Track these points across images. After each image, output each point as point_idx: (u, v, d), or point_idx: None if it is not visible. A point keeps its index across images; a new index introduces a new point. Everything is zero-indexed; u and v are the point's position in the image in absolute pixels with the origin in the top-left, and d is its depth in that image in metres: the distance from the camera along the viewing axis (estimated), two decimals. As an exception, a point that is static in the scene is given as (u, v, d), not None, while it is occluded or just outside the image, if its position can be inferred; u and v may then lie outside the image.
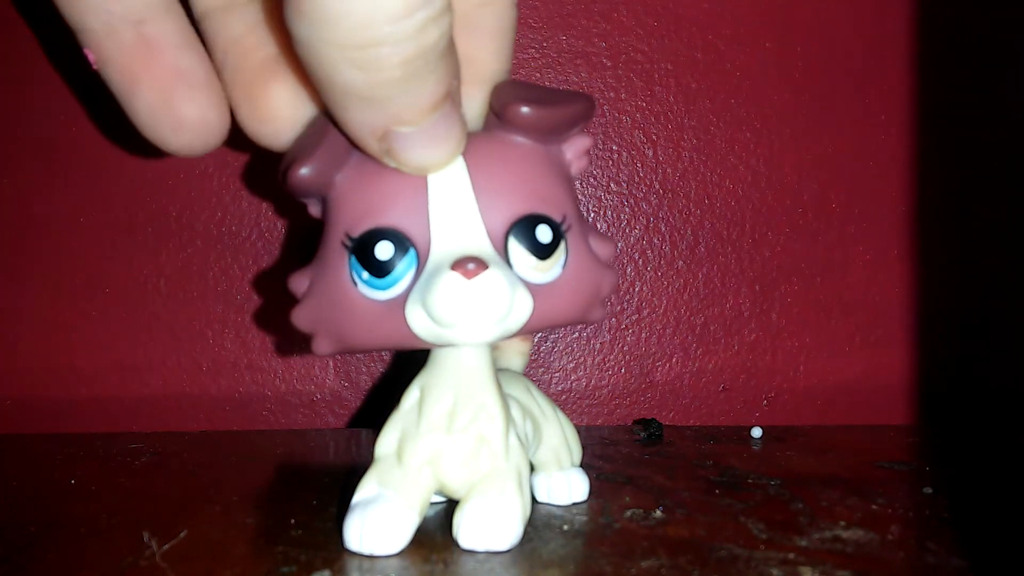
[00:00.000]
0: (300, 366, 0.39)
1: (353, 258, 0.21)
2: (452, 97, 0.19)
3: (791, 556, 0.21)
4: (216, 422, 0.38)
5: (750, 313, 0.40)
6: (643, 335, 0.39)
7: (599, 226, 0.39)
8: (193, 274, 0.38)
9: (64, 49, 0.37)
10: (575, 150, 0.23)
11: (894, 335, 0.40)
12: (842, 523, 0.23)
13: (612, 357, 0.39)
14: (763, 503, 0.25)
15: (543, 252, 0.21)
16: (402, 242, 0.21)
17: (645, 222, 0.39)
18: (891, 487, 0.27)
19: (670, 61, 0.39)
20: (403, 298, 0.21)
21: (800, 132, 0.39)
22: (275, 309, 0.38)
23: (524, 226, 0.21)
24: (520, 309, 0.21)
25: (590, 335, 0.39)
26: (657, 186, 0.39)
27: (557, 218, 0.21)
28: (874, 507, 0.25)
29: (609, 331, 0.39)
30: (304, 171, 0.21)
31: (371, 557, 0.21)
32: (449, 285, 0.20)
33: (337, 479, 0.28)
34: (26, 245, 0.38)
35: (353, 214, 0.21)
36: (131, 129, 0.38)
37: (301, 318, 0.22)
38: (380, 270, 0.21)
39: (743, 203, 0.39)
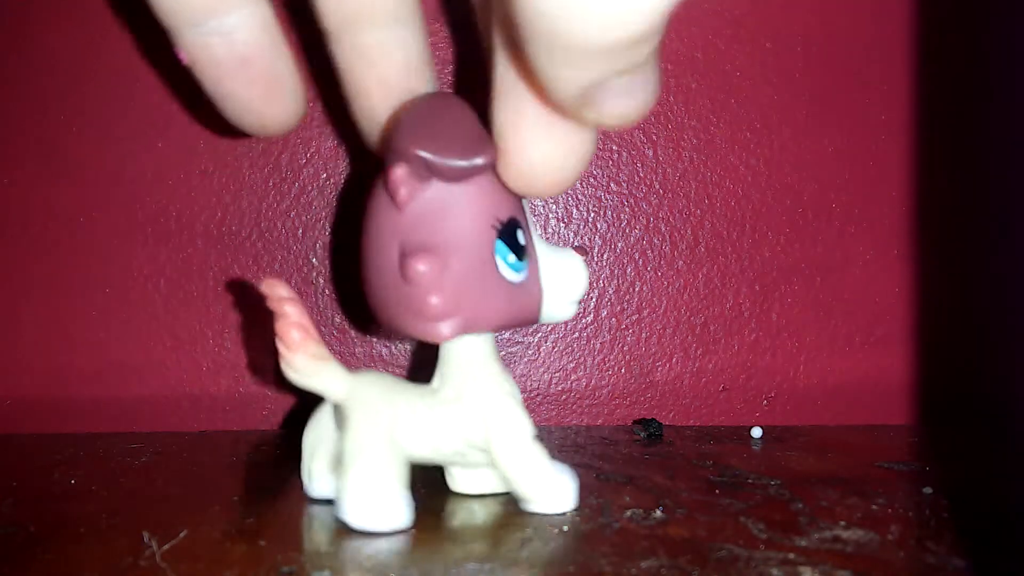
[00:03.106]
0: (300, 366, 0.38)
1: (500, 242, 0.23)
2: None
3: (791, 556, 0.21)
4: (216, 422, 0.38)
5: (750, 313, 0.40)
6: (643, 335, 0.39)
7: (599, 226, 0.39)
8: (193, 274, 0.38)
9: (65, 49, 0.37)
10: None
11: (894, 335, 0.40)
12: (842, 523, 0.23)
13: (612, 357, 0.39)
14: (763, 503, 0.25)
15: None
16: (525, 233, 0.24)
17: (645, 222, 0.39)
18: (891, 487, 0.27)
19: (670, 61, 0.39)
20: (531, 280, 0.24)
21: (800, 132, 0.39)
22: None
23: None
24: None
25: (590, 335, 0.39)
26: (657, 186, 0.39)
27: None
28: (874, 507, 0.25)
29: (609, 331, 0.39)
30: (484, 161, 0.22)
31: (371, 556, 0.21)
32: (581, 268, 0.25)
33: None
34: (26, 245, 0.38)
35: (498, 201, 0.23)
36: (131, 129, 0.38)
37: (440, 303, 0.22)
38: (520, 254, 0.23)
39: (743, 203, 0.39)
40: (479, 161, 0.22)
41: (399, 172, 0.22)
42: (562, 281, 0.24)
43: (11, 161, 0.37)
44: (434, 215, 0.22)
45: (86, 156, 0.37)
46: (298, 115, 0.25)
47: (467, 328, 0.23)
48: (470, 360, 0.24)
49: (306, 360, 0.24)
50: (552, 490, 0.24)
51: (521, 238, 0.23)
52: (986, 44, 0.39)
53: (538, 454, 0.24)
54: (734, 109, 0.39)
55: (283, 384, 0.38)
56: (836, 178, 0.39)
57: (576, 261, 0.25)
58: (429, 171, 0.22)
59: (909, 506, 0.25)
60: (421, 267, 0.22)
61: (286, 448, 0.33)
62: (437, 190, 0.22)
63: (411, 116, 0.23)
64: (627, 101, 0.19)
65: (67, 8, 0.37)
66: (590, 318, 0.39)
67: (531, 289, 0.24)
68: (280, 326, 0.23)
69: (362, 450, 0.23)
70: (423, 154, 0.22)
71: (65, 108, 0.37)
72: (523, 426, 0.24)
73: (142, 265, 0.38)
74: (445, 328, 0.22)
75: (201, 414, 0.38)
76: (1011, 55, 0.39)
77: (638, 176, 0.39)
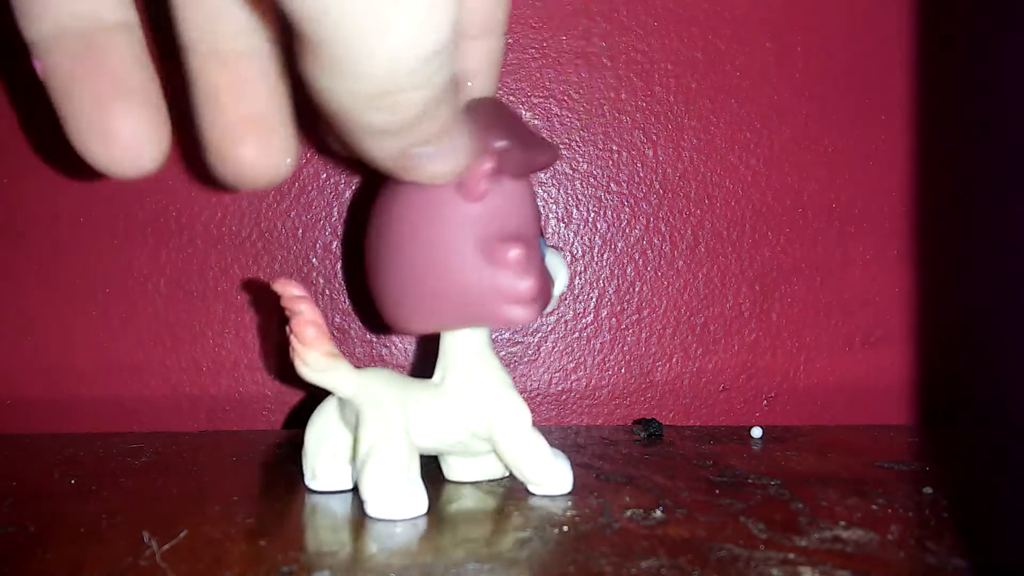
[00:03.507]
0: (300, 366, 0.38)
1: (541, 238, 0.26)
2: (458, 115, 0.21)
3: (791, 556, 0.21)
4: (216, 422, 0.38)
5: (750, 313, 0.40)
6: (643, 335, 0.39)
7: (599, 226, 0.39)
8: (193, 274, 0.38)
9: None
10: None
11: (894, 335, 0.40)
12: (842, 523, 0.23)
13: (612, 357, 0.39)
14: (763, 503, 0.25)
15: None
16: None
17: (645, 222, 0.39)
18: (891, 487, 0.27)
19: (670, 61, 0.39)
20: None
21: (800, 132, 0.39)
22: (275, 309, 0.38)
23: None
24: None
25: (590, 335, 0.39)
26: (657, 186, 0.39)
27: None
28: (874, 507, 0.25)
29: (609, 331, 0.39)
30: (552, 157, 0.25)
31: (371, 556, 0.21)
32: (563, 263, 0.27)
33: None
34: (26, 245, 0.38)
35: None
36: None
37: (535, 286, 0.24)
38: (544, 250, 0.26)
39: (743, 203, 0.39)
40: (550, 157, 0.25)
41: (487, 167, 0.23)
42: (558, 274, 0.27)
43: (11, 161, 0.37)
44: (510, 207, 0.24)
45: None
46: (153, 148, 0.22)
47: (541, 312, 0.25)
48: (470, 354, 0.26)
49: (319, 357, 0.24)
50: (552, 474, 0.26)
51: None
52: (986, 44, 0.39)
53: (538, 441, 0.26)
54: (734, 109, 0.39)
55: (283, 384, 0.39)
56: (836, 178, 0.39)
57: (560, 258, 0.27)
58: (510, 165, 0.23)
59: (909, 506, 0.25)
60: (517, 251, 0.23)
61: (286, 448, 0.33)
62: (505, 185, 0.24)
63: (482, 115, 0.23)
64: (436, 167, 0.22)
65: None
66: (590, 318, 0.39)
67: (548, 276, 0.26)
68: (295, 324, 0.24)
69: (379, 444, 0.24)
70: (514, 150, 0.23)
71: (65, 108, 0.37)
72: (524, 415, 0.26)
73: (142, 265, 0.38)
74: (534, 311, 0.24)
75: (201, 414, 0.38)
76: (1011, 55, 0.39)
77: (638, 176, 0.39)
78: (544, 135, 0.26)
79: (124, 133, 0.21)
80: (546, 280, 0.25)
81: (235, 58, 0.22)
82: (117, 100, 0.21)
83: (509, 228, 0.24)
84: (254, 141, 0.22)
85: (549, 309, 0.27)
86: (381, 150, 0.20)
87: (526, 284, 0.24)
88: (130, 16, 0.22)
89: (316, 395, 0.27)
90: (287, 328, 0.25)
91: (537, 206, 0.26)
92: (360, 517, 0.24)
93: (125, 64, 0.21)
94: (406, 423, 0.25)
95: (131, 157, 0.21)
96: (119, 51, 0.21)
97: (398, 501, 0.24)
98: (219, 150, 0.23)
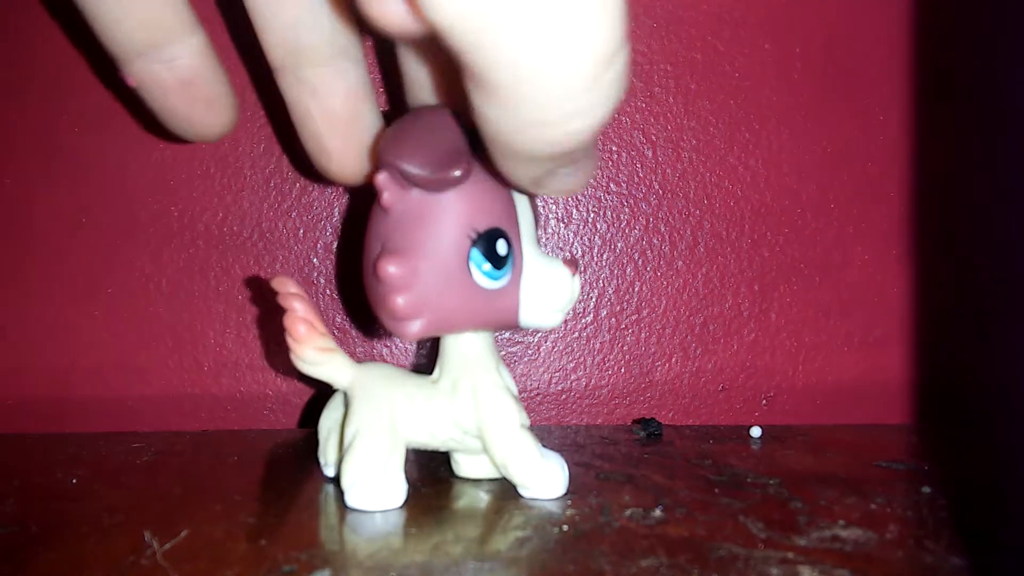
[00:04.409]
0: (301, 366, 0.39)
1: (476, 250, 0.24)
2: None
3: (790, 555, 0.21)
4: (217, 422, 0.38)
5: (750, 313, 0.40)
6: (643, 335, 0.39)
7: (599, 226, 0.39)
8: (194, 274, 0.38)
9: (64, 49, 0.37)
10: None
11: (894, 335, 0.40)
12: (841, 522, 0.23)
13: (612, 357, 0.40)
14: (762, 502, 0.25)
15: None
16: (509, 242, 0.24)
17: (645, 222, 0.39)
18: (890, 487, 0.27)
19: (670, 61, 0.39)
20: (511, 288, 0.25)
21: (800, 132, 0.39)
22: (276, 309, 0.38)
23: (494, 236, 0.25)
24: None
25: (590, 335, 0.39)
26: (657, 186, 0.39)
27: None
28: (873, 506, 0.25)
29: (609, 331, 0.39)
30: (458, 174, 0.23)
31: (371, 555, 0.21)
32: (567, 280, 0.25)
33: (338, 479, 0.28)
34: (26, 245, 0.38)
35: (478, 212, 0.24)
36: (133, 130, 0.38)
37: (406, 304, 0.23)
38: (498, 263, 0.24)
39: (742, 204, 0.39)
40: (452, 174, 0.23)
41: (381, 178, 0.24)
42: (545, 291, 0.25)
43: (12, 161, 0.37)
44: (413, 221, 0.24)
45: (88, 156, 0.37)
46: (233, 123, 0.28)
47: (435, 329, 0.24)
48: (466, 355, 0.26)
49: (312, 352, 0.25)
50: (543, 476, 0.26)
51: (502, 247, 0.24)
52: (986, 44, 0.39)
53: (527, 442, 0.26)
54: (734, 109, 0.39)
55: (284, 384, 0.39)
56: (836, 178, 0.39)
57: (562, 272, 0.25)
58: (407, 180, 0.23)
59: (908, 505, 0.25)
60: (390, 268, 0.23)
61: (287, 447, 0.33)
62: (418, 198, 0.24)
63: (398, 127, 0.24)
64: (570, 182, 0.22)
65: (68, 8, 0.37)
66: (590, 318, 0.39)
67: (510, 296, 0.25)
68: (287, 320, 0.25)
69: (361, 434, 0.25)
70: (400, 164, 0.23)
71: (66, 108, 0.37)
72: (511, 415, 0.25)
73: (143, 265, 0.38)
74: (411, 327, 0.24)
75: (202, 414, 0.38)
76: (1011, 55, 0.39)
77: (638, 176, 0.39)
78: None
79: (213, 132, 0.28)
80: (441, 296, 0.24)
81: (319, 81, 0.26)
82: (206, 116, 0.27)
83: (410, 243, 0.24)
84: (338, 148, 0.27)
85: (548, 325, 0.26)
86: (530, 172, 0.21)
87: (397, 301, 0.23)
88: (201, 37, 0.26)
89: (313, 396, 0.27)
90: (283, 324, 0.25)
91: (470, 220, 0.24)
92: (360, 517, 0.24)
93: (206, 80, 0.26)
94: (393, 417, 0.25)
95: (217, 137, 0.28)
96: (200, 71, 0.26)
97: (373, 492, 0.25)
98: (318, 148, 0.27)
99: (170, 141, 0.37)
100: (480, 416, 0.25)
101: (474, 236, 0.24)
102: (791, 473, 0.29)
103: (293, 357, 0.26)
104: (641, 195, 0.39)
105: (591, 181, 0.38)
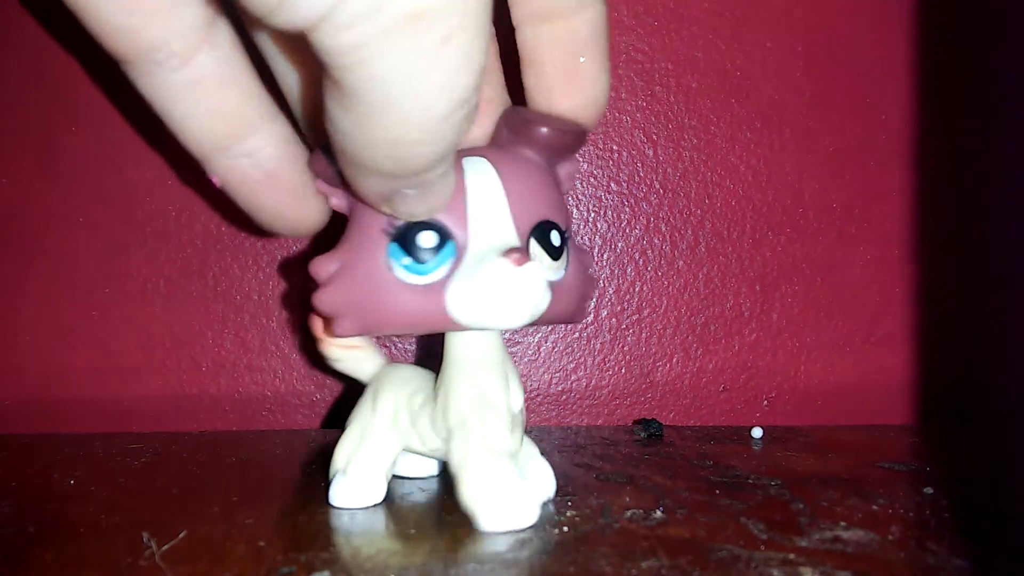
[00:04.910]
0: (300, 366, 0.38)
1: (394, 245, 0.23)
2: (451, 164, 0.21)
3: (791, 556, 0.21)
4: (216, 422, 0.38)
5: (750, 313, 0.40)
6: (643, 335, 0.39)
7: (599, 226, 0.39)
8: (192, 274, 0.38)
9: (64, 49, 0.37)
10: (567, 172, 0.26)
11: (894, 335, 0.40)
12: (842, 523, 0.23)
13: (612, 357, 0.39)
14: (763, 503, 0.25)
15: (556, 254, 0.24)
16: (444, 234, 0.22)
17: (645, 222, 0.39)
18: (891, 487, 0.27)
19: (670, 61, 0.39)
20: (443, 283, 0.22)
21: (800, 132, 0.39)
22: (275, 309, 0.38)
23: (542, 229, 0.23)
24: (543, 302, 0.23)
25: (590, 335, 0.39)
26: (657, 186, 0.39)
27: (563, 226, 0.24)
28: (874, 507, 0.25)
29: (609, 331, 0.39)
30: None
31: (370, 556, 0.21)
32: (501, 271, 0.22)
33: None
34: (26, 245, 0.38)
35: None
36: (131, 130, 0.38)
37: (327, 301, 0.23)
38: (421, 257, 0.22)
39: (743, 203, 0.39)
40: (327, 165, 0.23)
41: (319, 187, 0.25)
42: (475, 284, 0.22)
43: (11, 161, 0.37)
44: (348, 220, 0.24)
45: (86, 156, 0.37)
46: (325, 215, 0.26)
47: (364, 328, 0.23)
48: (464, 356, 0.24)
49: (334, 349, 0.27)
50: (490, 506, 0.23)
51: (427, 240, 0.22)
52: (986, 44, 0.39)
53: (491, 466, 0.23)
54: (734, 109, 0.39)
55: (283, 384, 0.38)
56: (836, 178, 0.39)
57: (498, 264, 0.22)
58: (315, 174, 0.24)
59: (909, 506, 0.25)
60: (311, 265, 0.23)
61: (286, 448, 0.33)
62: (346, 197, 0.24)
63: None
64: (418, 206, 0.22)
65: (68, 9, 0.37)
66: (590, 318, 0.39)
67: (436, 292, 0.22)
68: (311, 319, 0.26)
69: (351, 432, 0.26)
70: (312, 167, 0.24)
71: (65, 108, 0.37)
72: (478, 433, 0.23)
73: (141, 265, 0.38)
74: (337, 327, 0.23)
75: (201, 414, 0.38)
76: (1011, 55, 0.39)
77: (638, 176, 0.39)
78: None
79: (305, 224, 0.26)
80: (362, 294, 0.23)
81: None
82: (296, 207, 0.26)
83: (340, 242, 0.24)
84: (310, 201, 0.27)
85: (500, 323, 0.22)
86: (374, 187, 0.21)
87: (320, 298, 0.23)
88: (283, 125, 0.25)
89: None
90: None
91: (386, 215, 0.23)
92: (360, 517, 0.24)
93: (293, 172, 0.25)
94: (395, 419, 0.25)
95: (311, 230, 0.27)
96: (288, 165, 0.25)
97: (347, 487, 0.25)
98: (280, 216, 0.27)
99: (169, 141, 0.37)
100: (447, 427, 0.24)
101: (391, 231, 0.23)
102: (792, 474, 0.29)
103: (320, 350, 0.27)
104: (642, 194, 0.39)
105: (576, 182, 0.38)
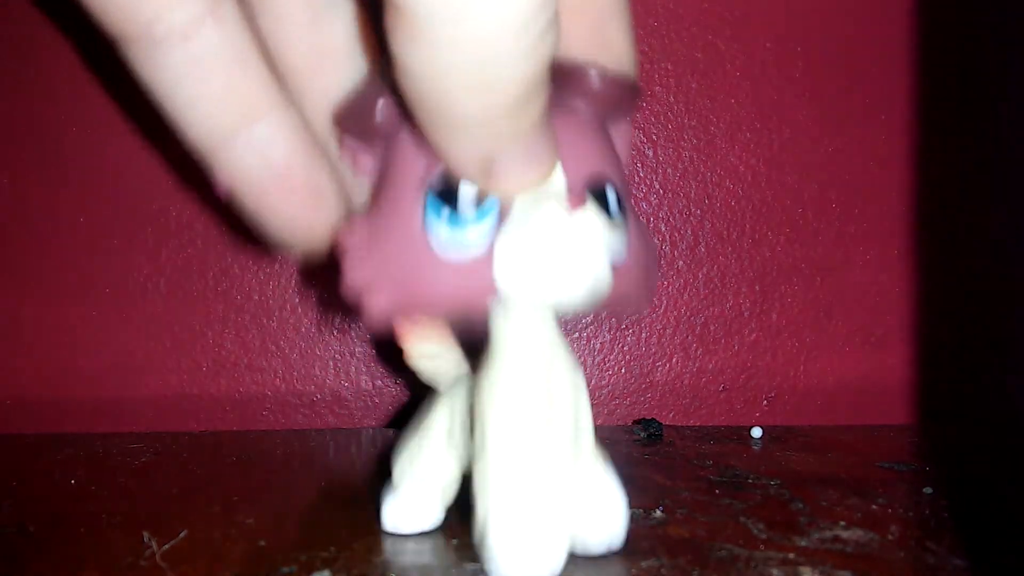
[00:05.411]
0: (300, 366, 0.38)
1: (432, 198, 0.19)
2: (545, 120, 0.19)
3: (791, 556, 0.21)
4: (216, 422, 0.38)
5: (750, 313, 0.40)
6: (643, 335, 0.39)
7: (599, 226, 0.39)
8: (193, 274, 0.38)
9: (64, 49, 0.37)
10: (622, 135, 0.23)
11: (894, 335, 0.40)
12: (842, 523, 0.23)
13: (612, 357, 0.39)
14: (763, 503, 0.25)
15: (613, 215, 0.20)
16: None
17: (646, 221, 0.39)
18: (891, 487, 0.27)
19: (670, 61, 0.39)
20: (487, 243, 0.19)
21: (800, 132, 0.39)
22: (275, 309, 0.38)
23: (598, 186, 0.20)
24: (604, 272, 0.19)
25: (590, 335, 0.39)
26: (657, 186, 0.39)
27: (619, 186, 0.20)
28: (874, 507, 0.25)
29: (609, 331, 0.39)
30: (380, 110, 0.20)
31: (370, 556, 0.21)
32: (553, 217, 0.18)
33: (337, 479, 0.28)
34: (26, 245, 0.38)
35: (434, 155, 0.19)
36: (132, 130, 0.38)
37: (355, 273, 0.20)
38: (463, 209, 0.19)
39: (743, 203, 0.39)
40: (374, 106, 0.20)
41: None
42: (526, 239, 0.18)
43: (11, 161, 0.37)
44: (375, 182, 0.21)
45: (87, 156, 0.37)
46: (340, 224, 0.23)
47: (399, 301, 0.20)
48: (496, 353, 0.20)
49: (414, 354, 0.24)
50: (504, 546, 0.19)
51: (466, 193, 0.19)
52: (986, 44, 0.39)
53: (509, 488, 0.19)
54: (734, 109, 0.39)
55: (282, 385, 0.39)
56: (836, 178, 0.39)
57: (549, 211, 0.18)
58: (344, 130, 0.21)
59: (909, 506, 0.25)
60: (337, 238, 0.20)
61: (285, 448, 0.33)
62: (377, 156, 0.21)
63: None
64: (522, 170, 0.19)
65: (67, 9, 0.37)
66: (590, 318, 0.39)
67: (483, 254, 0.19)
68: (396, 330, 0.24)
69: (410, 442, 0.23)
70: (334, 117, 0.21)
71: (65, 108, 0.37)
72: (502, 448, 0.19)
73: (142, 265, 0.38)
74: (371, 304, 0.20)
75: (201, 414, 0.38)
76: (1011, 55, 0.39)
77: (639, 175, 0.39)
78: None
79: (321, 230, 0.22)
80: (399, 266, 0.19)
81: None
82: (311, 211, 0.22)
83: (370, 207, 0.21)
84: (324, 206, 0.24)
85: (562, 295, 0.19)
86: (469, 149, 0.18)
87: (350, 276, 0.20)
88: (293, 113, 0.23)
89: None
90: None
91: (425, 163, 0.20)
92: (359, 518, 0.24)
93: (307, 169, 0.22)
94: (450, 434, 0.22)
95: (325, 239, 0.23)
96: (300, 160, 0.22)
97: (399, 511, 0.23)
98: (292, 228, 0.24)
99: (169, 140, 0.37)
100: (481, 434, 0.20)
101: (431, 179, 0.19)
102: (792, 474, 0.29)
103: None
104: (642, 194, 0.39)
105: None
